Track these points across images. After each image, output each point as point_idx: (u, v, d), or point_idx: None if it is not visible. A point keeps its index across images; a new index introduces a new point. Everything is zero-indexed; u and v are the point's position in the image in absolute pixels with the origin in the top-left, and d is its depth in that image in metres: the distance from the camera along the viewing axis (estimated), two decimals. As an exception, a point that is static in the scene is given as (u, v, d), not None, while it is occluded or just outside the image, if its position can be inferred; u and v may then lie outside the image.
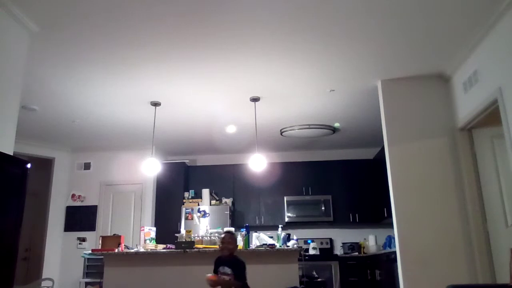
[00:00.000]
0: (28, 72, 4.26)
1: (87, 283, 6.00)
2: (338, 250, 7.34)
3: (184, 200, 7.21)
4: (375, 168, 7.02)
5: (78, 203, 7.21)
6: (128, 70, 4.53)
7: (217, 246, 4.66)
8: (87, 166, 7.41)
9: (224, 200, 7.23)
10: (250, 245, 4.73)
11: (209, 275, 3.32)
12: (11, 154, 3.39)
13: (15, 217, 2.99)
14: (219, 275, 3.33)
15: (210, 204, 7.14)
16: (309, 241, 7.12)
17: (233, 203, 7.36)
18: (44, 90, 4.98)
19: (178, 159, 7.74)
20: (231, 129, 6.54)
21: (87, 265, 6.10)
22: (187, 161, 7.79)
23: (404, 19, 3.64)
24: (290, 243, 4.69)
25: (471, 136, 4.44)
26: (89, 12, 3.46)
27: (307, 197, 7.34)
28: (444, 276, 4.16)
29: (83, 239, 7.04)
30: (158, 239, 5.06)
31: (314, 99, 5.46)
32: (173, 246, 4.68)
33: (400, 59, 4.39)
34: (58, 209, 7.11)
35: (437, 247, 4.31)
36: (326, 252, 7.16)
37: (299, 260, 4.64)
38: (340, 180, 7.38)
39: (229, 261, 3.40)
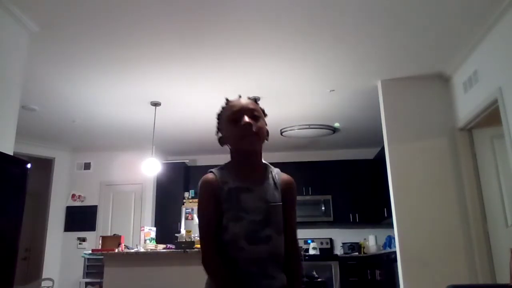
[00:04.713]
0: (28, 72, 4.25)
1: (87, 283, 6.00)
2: (338, 250, 7.34)
3: (184, 200, 7.21)
4: (375, 168, 7.01)
5: (78, 203, 7.21)
6: (128, 70, 4.52)
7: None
8: (87, 166, 7.40)
9: (224, 200, 7.22)
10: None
11: None
12: (11, 154, 3.39)
13: (15, 217, 2.98)
14: None
15: (210, 204, 7.13)
16: (309, 241, 7.12)
17: (233, 203, 7.35)
18: (44, 90, 4.97)
19: (178, 159, 7.73)
20: (231, 129, 6.52)
21: (87, 265, 6.11)
22: (187, 161, 7.78)
23: (404, 19, 3.64)
24: (290, 243, 4.69)
25: (471, 136, 4.44)
26: (88, 12, 3.46)
27: (307, 197, 7.33)
28: (444, 276, 4.15)
29: (83, 239, 7.04)
30: (158, 239, 5.06)
31: (314, 99, 5.45)
32: (173, 246, 4.68)
33: (400, 59, 4.38)
34: (58, 209, 7.10)
35: (437, 247, 4.30)
36: (326, 252, 7.16)
37: (299, 260, 4.63)
38: (340, 180, 7.37)
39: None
